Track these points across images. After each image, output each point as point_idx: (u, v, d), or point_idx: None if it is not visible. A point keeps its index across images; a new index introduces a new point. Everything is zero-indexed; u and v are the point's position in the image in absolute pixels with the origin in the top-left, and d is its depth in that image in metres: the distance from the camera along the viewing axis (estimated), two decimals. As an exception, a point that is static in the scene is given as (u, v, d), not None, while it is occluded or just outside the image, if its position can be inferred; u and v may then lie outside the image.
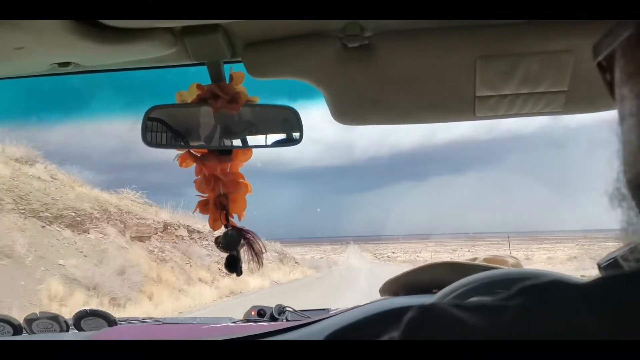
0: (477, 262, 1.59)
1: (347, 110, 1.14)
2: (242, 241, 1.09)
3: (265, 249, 1.13)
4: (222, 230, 1.11)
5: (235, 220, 1.12)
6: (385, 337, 0.42)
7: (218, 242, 1.09)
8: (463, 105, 1.10)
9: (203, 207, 1.11)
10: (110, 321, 1.78)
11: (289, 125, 1.13)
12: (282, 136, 1.14)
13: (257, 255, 1.11)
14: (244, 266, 1.11)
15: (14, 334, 1.75)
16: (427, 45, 1.03)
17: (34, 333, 1.76)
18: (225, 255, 1.10)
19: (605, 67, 0.48)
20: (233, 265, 1.09)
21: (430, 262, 1.61)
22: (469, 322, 0.38)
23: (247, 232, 1.10)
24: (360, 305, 1.54)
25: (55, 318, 1.78)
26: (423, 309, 0.41)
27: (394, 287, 1.62)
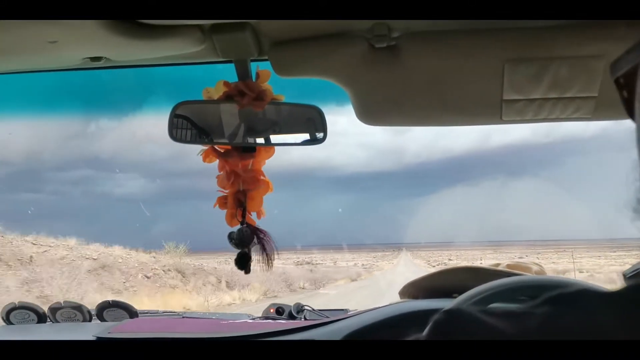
0: (499, 268, 1.57)
1: (372, 111, 1.13)
2: (254, 240, 1.10)
3: (277, 252, 1.12)
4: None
5: (254, 218, 1.12)
6: (405, 339, 0.41)
7: (231, 237, 1.10)
8: (489, 109, 1.09)
9: (222, 202, 1.12)
10: (132, 313, 1.81)
11: (313, 125, 1.13)
12: (306, 135, 1.14)
13: (267, 256, 1.11)
14: (254, 266, 1.11)
15: (38, 322, 1.79)
16: (455, 47, 1.02)
17: (57, 322, 1.80)
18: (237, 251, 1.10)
19: (623, 84, 0.47)
20: (243, 263, 1.09)
21: (451, 267, 1.59)
22: (494, 327, 0.38)
23: (262, 231, 1.11)
24: (379, 307, 1.54)
25: (78, 308, 1.82)
26: (450, 312, 0.40)
27: (414, 290, 1.61)
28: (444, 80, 1.06)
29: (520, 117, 1.11)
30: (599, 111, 1.06)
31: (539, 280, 1.24)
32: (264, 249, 1.11)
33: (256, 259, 1.11)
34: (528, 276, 1.35)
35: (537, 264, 1.60)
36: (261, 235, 1.11)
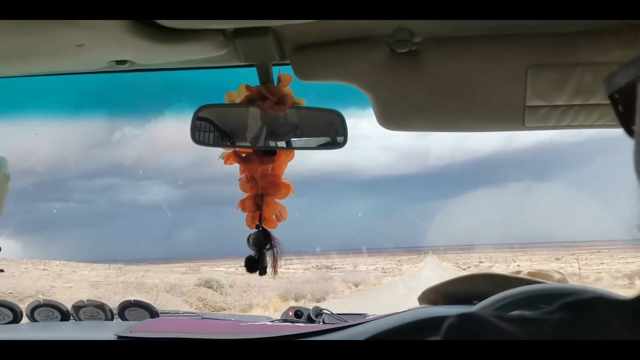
0: (520, 275, 1.55)
1: (394, 116, 1.13)
2: (268, 245, 1.12)
3: (282, 259, 1.14)
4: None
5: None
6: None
7: (249, 239, 1.12)
8: (512, 115, 1.08)
9: (243, 205, 1.13)
10: (153, 313, 1.83)
11: (333, 129, 1.13)
12: (326, 139, 1.14)
13: (274, 262, 1.13)
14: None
15: (61, 319, 1.83)
16: (477, 52, 1.02)
17: (80, 320, 1.83)
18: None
19: (618, 100, 0.47)
20: (252, 266, 1.12)
21: (471, 273, 1.58)
22: (508, 332, 0.38)
23: (273, 238, 1.13)
24: (398, 312, 1.53)
25: (101, 307, 1.85)
26: (464, 316, 0.41)
27: (433, 295, 1.60)
28: (466, 86, 1.06)
29: (543, 124, 1.10)
30: None
31: (557, 289, 1.23)
32: (273, 255, 1.13)
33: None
34: (549, 284, 1.33)
35: (559, 272, 1.58)
36: (273, 242, 1.13)
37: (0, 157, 1.02)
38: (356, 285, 24.30)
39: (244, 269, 1.12)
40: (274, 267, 1.13)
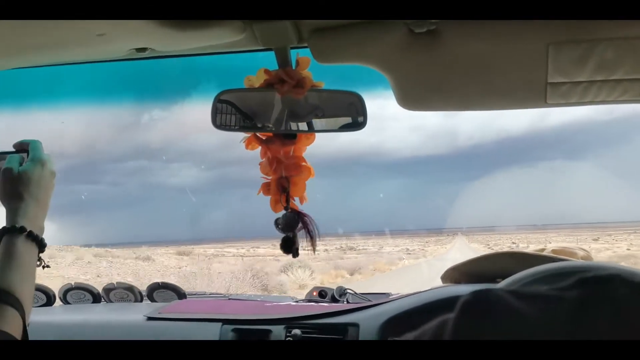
0: (544, 253, 1.55)
1: (413, 96, 1.13)
2: (299, 224, 1.12)
3: (319, 234, 1.14)
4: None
5: (297, 203, 1.14)
6: (440, 319, 0.42)
7: (277, 223, 1.12)
8: (533, 92, 1.07)
9: (266, 189, 1.14)
10: (180, 294, 1.88)
11: (353, 111, 1.13)
12: (346, 121, 1.15)
13: (312, 239, 1.13)
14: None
15: (93, 302, 1.89)
16: (497, 30, 1.00)
17: (111, 302, 1.89)
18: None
19: None
20: (288, 247, 1.12)
21: (494, 252, 1.57)
22: (522, 310, 0.38)
23: (305, 215, 1.13)
24: (421, 291, 1.54)
25: (130, 289, 1.90)
26: (478, 293, 0.41)
27: (456, 274, 1.60)
28: (486, 64, 1.05)
29: (565, 101, 1.08)
30: None
31: (581, 266, 1.22)
32: (308, 232, 1.13)
33: (302, 244, 1.14)
34: (571, 261, 1.32)
35: (583, 249, 1.57)
36: (305, 219, 1.13)
37: (46, 153, 1.04)
38: (351, 272, 16.58)
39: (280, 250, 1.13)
40: (313, 244, 1.13)
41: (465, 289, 1.50)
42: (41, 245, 0.96)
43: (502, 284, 1.25)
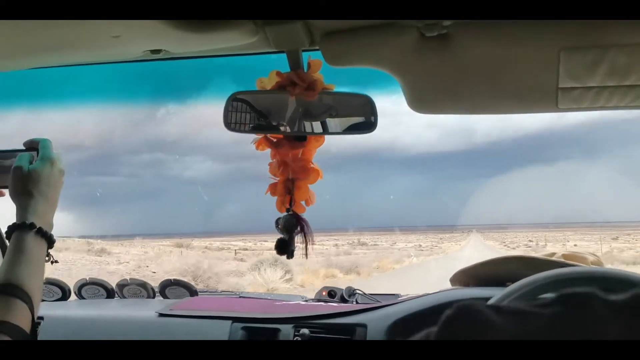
0: (554, 258, 1.54)
1: (424, 99, 1.13)
2: (297, 227, 1.14)
3: (313, 241, 1.16)
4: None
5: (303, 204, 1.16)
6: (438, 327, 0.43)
7: (277, 223, 1.14)
8: (544, 97, 1.07)
9: (273, 189, 1.16)
10: (192, 291, 1.90)
11: (363, 113, 1.14)
12: (360, 119, 1.16)
13: (305, 245, 1.15)
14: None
15: (107, 297, 1.92)
16: (509, 35, 1.00)
17: (124, 297, 1.92)
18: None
19: None
20: (282, 248, 1.14)
21: (504, 256, 1.57)
22: (501, 326, 0.38)
23: (303, 220, 1.14)
24: (430, 293, 1.55)
25: (143, 285, 1.93)
26: (460, 307, 0.41)
27: (465, 277, 1.60)
28: (498, 69, 1.05)
29: (577, 105, 1.08)
30: None
31: (593, 272, 1.21)
32: (304, 238, 1.15)
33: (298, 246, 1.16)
34: (580, 267, 1.32)
35: (594, 254, 1.56)
36: (303, 225, 1.15)
37: (56, 152, 1.06)
38: (347, 272, 15.38)
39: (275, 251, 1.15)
40: (306, 249, 1.15)
41: (473, 292, 1.50)
42: (50, 241, 0.98)
43: (509, 288, 1.25)
